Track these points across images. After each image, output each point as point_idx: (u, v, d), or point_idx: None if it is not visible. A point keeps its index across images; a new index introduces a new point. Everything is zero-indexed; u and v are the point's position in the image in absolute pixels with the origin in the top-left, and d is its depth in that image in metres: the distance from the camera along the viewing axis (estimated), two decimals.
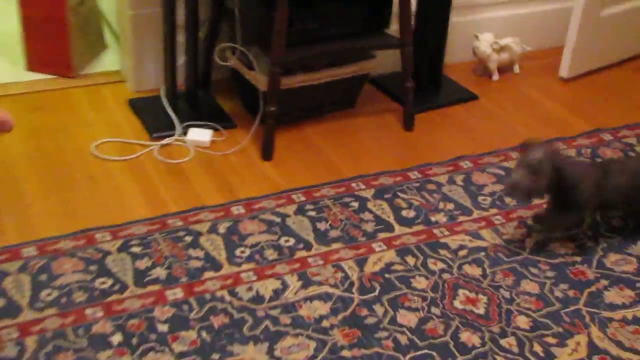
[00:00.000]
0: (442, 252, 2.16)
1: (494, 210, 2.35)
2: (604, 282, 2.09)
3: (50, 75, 2.93)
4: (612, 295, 2.05)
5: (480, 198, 2.40)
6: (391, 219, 2.28)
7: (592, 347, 1.88)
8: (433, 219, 2.29)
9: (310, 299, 1.97)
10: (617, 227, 2.30)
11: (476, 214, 2.33)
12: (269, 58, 2.46)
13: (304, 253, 2.12)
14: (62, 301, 1.93)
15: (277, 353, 1.81)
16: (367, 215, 2.29)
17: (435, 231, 2.24)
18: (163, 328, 1.87)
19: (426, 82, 2.92)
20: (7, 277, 1.99)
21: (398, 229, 2.24)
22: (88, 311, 1.90)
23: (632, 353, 1.87)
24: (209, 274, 2.04)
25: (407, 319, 1.93)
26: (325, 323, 1.89)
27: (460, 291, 2.03)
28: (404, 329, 1.90)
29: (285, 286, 2.00)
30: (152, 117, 2.69)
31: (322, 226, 2.24)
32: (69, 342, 1.82)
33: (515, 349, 1.86)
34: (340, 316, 1.92)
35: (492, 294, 2.03)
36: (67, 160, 2.48)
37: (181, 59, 2.70)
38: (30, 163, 2.46)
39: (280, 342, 1.84)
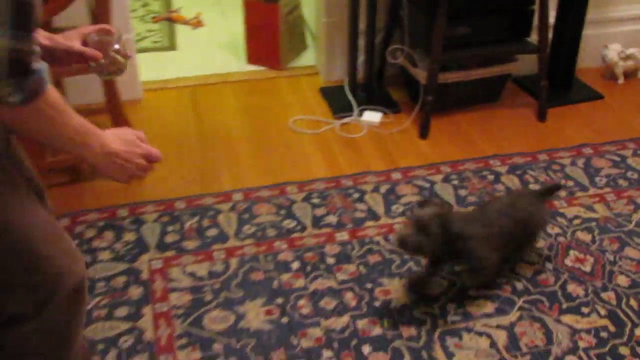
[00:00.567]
0: (560, 220, 2.13)
1: (608, 189, 2.28)
2: None
3: (263, 67, 3.01)
4: None
5: (597, 178, 2.32)
6: None
7: None
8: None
9: None
10: None
11: (592, 191, 2.27)
12: (429, 58, 2.49)
13: None
14: (258, 235, 2.06)
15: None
16: (499, 187, 2.28)
17: (556, 202, 2.20)
18: (331, 260, 1.96)
19: (560, 83, 2.84)
20: (220, 214, 2.14)
21: None
22: (276, 243, 2.02)
23: None
24: (369, 223, 2.10)
25: (524, 270, 1.93)
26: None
27: (571, 252, 2.00)
28: (521, 277, 1.91)
29: None
30: (336, 101, 2.76)
31: (462, 192, 2.26)
32: (260, 264, 1.95)
33: (614, 302, 1.83)
34: None
35: (598, 255, 1.99)
36: (271, 131, 2.60)
37: (361, 58, 2.75)
38: (244, 132, 2.59)
39: None
